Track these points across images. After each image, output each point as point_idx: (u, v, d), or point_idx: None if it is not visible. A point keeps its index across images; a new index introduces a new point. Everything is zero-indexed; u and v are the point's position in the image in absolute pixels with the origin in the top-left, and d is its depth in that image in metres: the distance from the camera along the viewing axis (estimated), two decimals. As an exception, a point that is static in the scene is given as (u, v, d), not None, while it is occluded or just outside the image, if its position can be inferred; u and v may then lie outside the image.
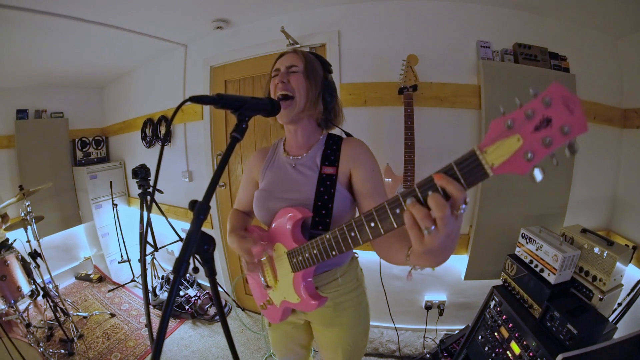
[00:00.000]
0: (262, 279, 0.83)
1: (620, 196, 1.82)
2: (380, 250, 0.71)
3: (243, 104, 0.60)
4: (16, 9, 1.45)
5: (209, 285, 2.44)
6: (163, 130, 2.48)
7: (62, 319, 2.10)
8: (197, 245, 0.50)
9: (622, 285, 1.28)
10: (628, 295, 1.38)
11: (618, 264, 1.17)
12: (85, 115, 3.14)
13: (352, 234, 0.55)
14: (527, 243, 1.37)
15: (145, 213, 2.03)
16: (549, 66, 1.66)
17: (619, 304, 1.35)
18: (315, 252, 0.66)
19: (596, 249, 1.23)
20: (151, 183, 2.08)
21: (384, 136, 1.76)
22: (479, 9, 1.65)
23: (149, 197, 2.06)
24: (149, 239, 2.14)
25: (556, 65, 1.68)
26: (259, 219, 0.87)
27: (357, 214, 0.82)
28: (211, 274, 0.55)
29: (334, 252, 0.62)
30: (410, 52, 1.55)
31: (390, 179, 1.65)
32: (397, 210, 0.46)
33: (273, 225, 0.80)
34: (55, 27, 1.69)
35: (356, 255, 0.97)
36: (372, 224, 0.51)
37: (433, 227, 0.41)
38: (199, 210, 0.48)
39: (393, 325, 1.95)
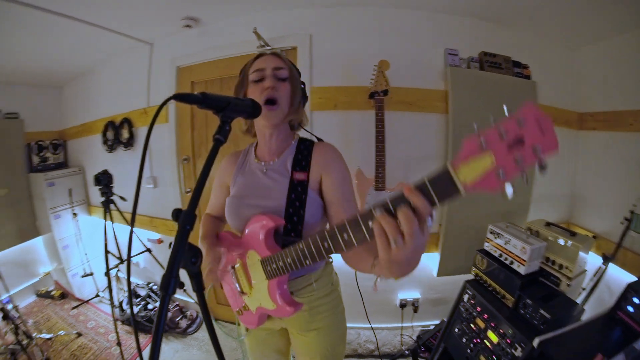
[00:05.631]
0: (237, 285, 0.82)
1: (578, 191, 1.97)
2: (346, 257, 0.72)
3: (227, 105, 0.57)
4: None
5: (178, 297, 2.37)
6: (125, 133, 2.32)
7: (25, 342, 1.92)
8: (185, 258, 0.47)
9: (586, 270, 1.39)
10: (591, 280, 1.52)
11: (581, 253, 1.27)
12: (42, 116, 2.89)
13: (325, 244, 0.55)
14: (495, 238, 1.42)
15: (109, 222, 1.90)
16: (512, 74, 1.76)
17: (583, 288, 1.47)
18: (289, 260, 0.66)
19: (560, 240, 1.32)
20: (114, 190, 1.95)
21: (354, 140, 1.77)
22: (448, 18, 1.72)
23: (111, 205, 1.92)
24: (114, 250, 2.01)
25: (519, 72, 1.78)
26: (231, 225, 0.85)
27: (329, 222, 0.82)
28: (200, 288, 0.52)
29: (307, 261, 0.62)
30: (381, 58, 1.57)
31: (357, 181, 1.66)
32: (370, 223, 0.46)
33: (246, 232, 0.78)
34: (10, 15, 1.54)
35: (330, 260, 0.96)
36: (345, 236, 0.51)
37: (401, 240, 0.42)
38: (185, 220, 0.46)
39: (370, 326, 1.96)
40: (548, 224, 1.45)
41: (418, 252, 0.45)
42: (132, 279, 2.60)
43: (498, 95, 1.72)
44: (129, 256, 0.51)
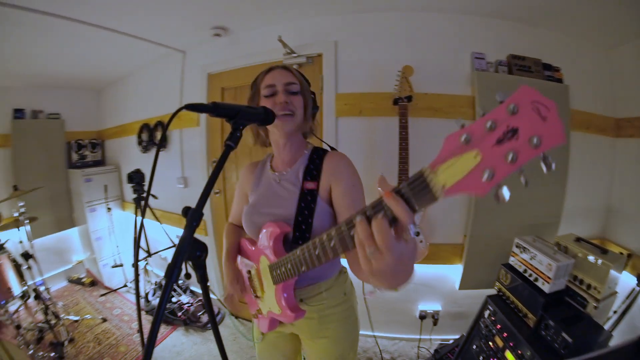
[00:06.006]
0: (252, 289, 0.86)
1: (614, 204, 1.83)
2: (350, 264, 0.73)
3: (238, 113, 0.61)
4: (16, 8, 1.46)
5: (201, 292, 2.45)
6: (159, 135, 2.47)
7: (53, 322, 2.07)
8: (190, 251, 0.50)
9: (617, 292, 1.30)
10: (623, 303, 1.39)
11: (612, 272, 1.19)
12: (82, 117, 3.14)
13: (317, 252, 0.55)
14: (521, 252, 1.37)
15: (139, 217, 2.01)
16: (543, 77, 1.69)
17: (615, 312, 1.36)
18: (289, 266, 0.68)
19: (590, 258, 1.24)
20: (146, 188, 2.07)
21: (379, 146, 1.77)
22: (474, 20, 1.67)
23: (142, 202, 2.04)
24: (142, 244, 2.13)
25: (550, 76, 1.70)
26: (247, 232, 0.89)
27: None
28: (203, 280, 0.56)
29: (303, 268, 0.62)
30: (406, 63, 1.57)
31: (380, 188, 1.65)
32: (352, 232, 0.44)
33: (259, 238, 0.82)
34: (55, 27, 1.70)
35: (344, 270, 0.96)
36: (332, 243, 0.49)
37: (375, 249, 0.38)
38: (192, 217, 0.49)
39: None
40: (578, 239, 1.38)
41: (404, 263, 0.40)
42: (159, 273, 2.73)
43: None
44: (137, 248, 0.55)
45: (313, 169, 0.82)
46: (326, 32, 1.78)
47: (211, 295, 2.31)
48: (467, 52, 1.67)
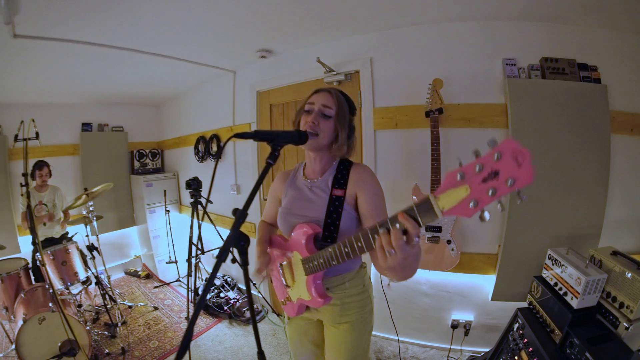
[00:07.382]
0: (283, 279, 1.00)
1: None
2: (373, 260, 0.83)
3: (275, 137, 0.76)
4: (85, 44, 1.72)
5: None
6: (214, 147, 2.77)
7: (109, 305, 2.35)
8: (236, 241, 0.66)
9: None
10: None
11: None
12: (143, 129, 3.58)
13: (346, 249, 0.72)
14: (553, 265, 1.33)
15: (195, 220, 2.25)
16: (579, 78, 1.59)
17: None
18: (321, 261, 0.82)
19: (628, 273, 1.15)
20: (203, 194, 2.28)
21: (414, 156, 1.82)
22: (503, 25, 1.63)
23: (199, 206, 2.25)
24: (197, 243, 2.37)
25: (586, 77, 1.59)
26: (281, 230, 1.04)
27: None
28: (244, 264, 0.71)
29: (334, 262, 0.78)
30: (439, 75, 1.62)
31: (414, 197, 1.71)
32: (376, 235, 0.61)
33: (292, 236, 0.96)
34: (120, 57, 1.98)
35: (365, 265, 1.09)
36: (359, 244, 0.67)
37: (393, 251, 0.57)
38: (239, 215, 0.66)
39: (419, 342, 1.96)
40: (615, 253, 1.28)
41: (410, 261, 0.59)
42: (209, 269, 2.97)
43: (563, 104, 1.58)
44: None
45: (340, 178, 0.95)
46: (362, 49, 1.87)
47: (255, 292, 2.52)
48: (498, 58, 1.65)
